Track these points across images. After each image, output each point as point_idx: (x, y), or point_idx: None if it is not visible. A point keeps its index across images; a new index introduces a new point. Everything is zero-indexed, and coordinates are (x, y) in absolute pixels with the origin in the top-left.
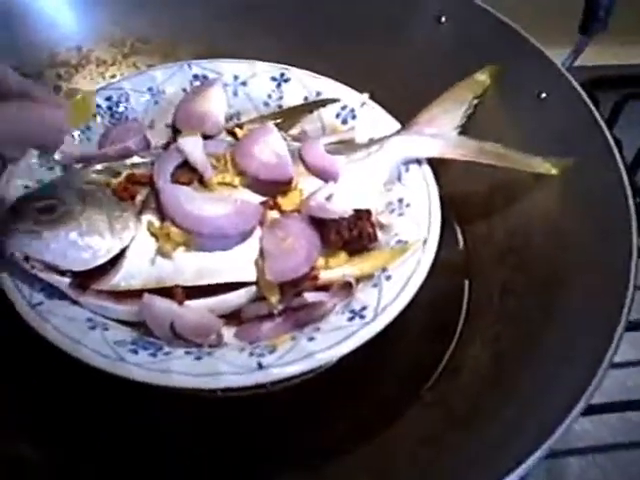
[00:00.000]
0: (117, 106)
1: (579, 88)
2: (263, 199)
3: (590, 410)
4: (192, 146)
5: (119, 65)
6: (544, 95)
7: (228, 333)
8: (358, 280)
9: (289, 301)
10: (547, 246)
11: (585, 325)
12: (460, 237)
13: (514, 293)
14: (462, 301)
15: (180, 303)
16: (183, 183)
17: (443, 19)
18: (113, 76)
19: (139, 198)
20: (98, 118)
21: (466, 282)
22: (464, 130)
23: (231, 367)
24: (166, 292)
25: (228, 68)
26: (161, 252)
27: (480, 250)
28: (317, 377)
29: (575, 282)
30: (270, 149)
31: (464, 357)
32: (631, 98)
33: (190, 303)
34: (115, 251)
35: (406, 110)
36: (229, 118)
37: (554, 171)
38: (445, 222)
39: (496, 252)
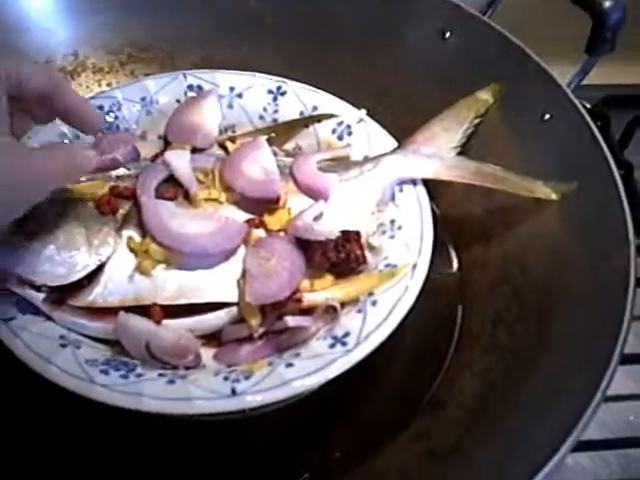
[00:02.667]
0: (108, 115)
1: (583, 110)
2: (249, 217)
3: (588, 446)
4: (178, 160)
5: (115, 73)
6: (548, 116)
7: (207, 355)
8: (343, 304)
9: (270, 324)
10: (543, 274)
11: (578, 358)
12: (455, 260)
13: (507, 322)
14: (454, 328)
15: (157, 322)
16: (168, 198)
17: (447, 34)
18: (109, 84)
19: (121, 212)
20: None
21: (459, 308)
22: (463, 150)
23: (204, 392)
24: (144, 310)
25: (224, 79)
26: (140, 269)
27: (475, 275)
28: (299, 402)
29: (570, 313)
30: (259, 165)
31: (451, 389)
32: None
33: (168, 322)
34: (92, 267)
35: (405, 127)
36: (223, 130)
37: (554, 196)
38: (440, 244)
39: (491, 278)
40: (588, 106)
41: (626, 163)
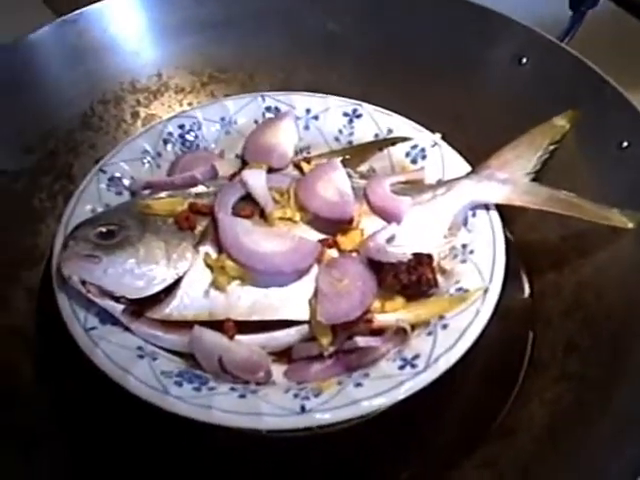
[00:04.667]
0: (189, 134)
1: None
2: (323, 237)
3: None
4: (255, 179)
5: (197, 93)
6: (625, 144)
7: (277, 371)
8: (414, 327)
9: (341, 344)
10: (617, 303)
11: None
12: (527, 286)
13: (579, 351)
14: (524, 355)
15: (230, 337)
16: (244, 216)
17: (524, 60)
18: (190, 104)
19: (199, 228)
20: (169, 146)
21: (530, 334)
22: (538, 177)
23: (273, 408)
24: (218, 325)
25: (301, 101)
26: (215, 285)
27: (547, 301)
28: (367, 422)
29: None
30: (333, 186)
31: (520, 417)
32: None
33: (241, 338)
34: (170, 281)
35: (480, 152)
36: (299, 151)
37: (630, 225)
38: (513, 270)
39: (564, 304)
40: None
41: None
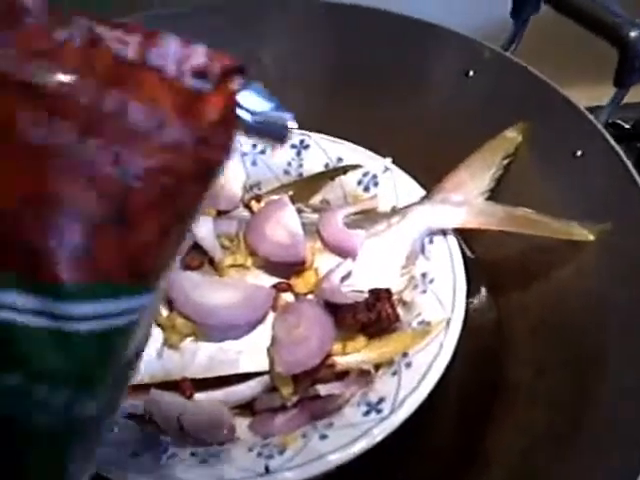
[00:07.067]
0: None
1: (616, 145)
2: (277, 281)
3: None
4: (201, 227)
5: None
6: (579, 153)
7: (241, 425)
8: (378, 366)
9: (303, 392)
10: (583, 319)
11: (625, 408)
12: (492, 306)
13: (549, 372)
14: (495, 381)
15: (189, 397)
16: (194, 267)
17: (471, 73)
18: None
19: None
20: None
21: (497, 357)
22: (494, 194)
23: (236, 472)
24: (175, 386)
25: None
26: (168, 344)
27: (514, 323)
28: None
29: (613, 358)
30: (283, 227)
31: (495, 448)
32: None
33: (200, 396)
34: None
35: (436, 172)
36: (249, 189)
37: (591, 237)
38: (476, 290)
39: (530, 325)
40: (627, 126)
41: None
